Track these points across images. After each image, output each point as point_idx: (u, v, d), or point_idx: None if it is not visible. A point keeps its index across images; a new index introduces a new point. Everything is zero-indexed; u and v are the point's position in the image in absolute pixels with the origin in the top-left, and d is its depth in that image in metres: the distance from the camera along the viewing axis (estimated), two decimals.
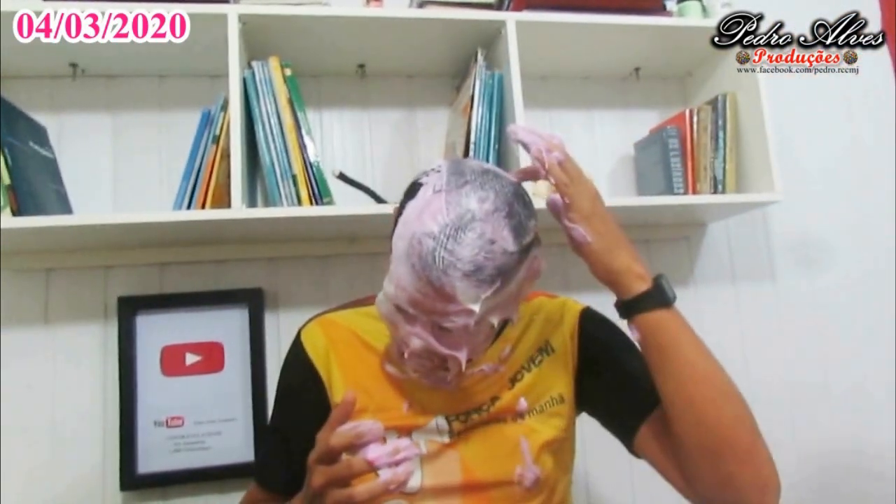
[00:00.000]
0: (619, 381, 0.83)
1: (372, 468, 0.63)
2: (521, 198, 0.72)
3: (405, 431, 0.80)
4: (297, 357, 0.87)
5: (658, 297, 0.74)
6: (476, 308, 0.67)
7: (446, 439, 0.80)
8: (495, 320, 0.72)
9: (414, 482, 0.77)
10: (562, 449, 0.85)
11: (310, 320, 0.92)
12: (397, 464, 0.63)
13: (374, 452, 0.63)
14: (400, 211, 0.73)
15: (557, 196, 0.77)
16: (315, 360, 0.85)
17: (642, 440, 0.79)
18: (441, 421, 0.81)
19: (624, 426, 0.82)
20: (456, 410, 0.81)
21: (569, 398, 0.86)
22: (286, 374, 0.91)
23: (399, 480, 0.62)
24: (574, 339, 0.87)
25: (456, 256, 0.66)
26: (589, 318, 0.89)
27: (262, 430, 1.22)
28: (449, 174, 0.71)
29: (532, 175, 0.78)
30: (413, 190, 0.72)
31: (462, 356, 0.71)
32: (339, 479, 0.64)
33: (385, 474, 0.63)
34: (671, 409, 0.73)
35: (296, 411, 0.87)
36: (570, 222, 0.76)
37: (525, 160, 1.18)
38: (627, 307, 0.75)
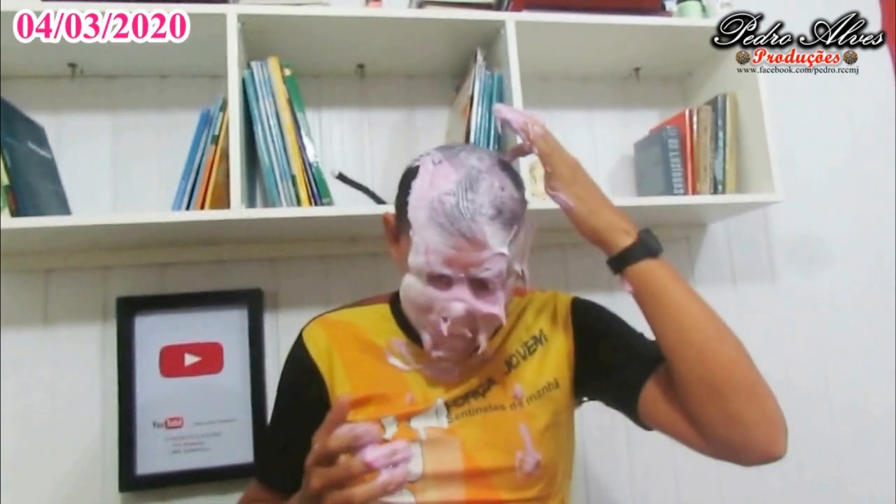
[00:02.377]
0: (616, 351, 0.85)
1: (370, 469, 0.63)
2: (506, 161, 0.82)
3: (405, 418, 0.81)
4: (297, 356, 0.88)
5: (643, 248, 0.77)
6: (506, 251, 0.74)
7: (444, 424, 0.81)
8: (519, 268, 0.79)
9: (416, 469, 0.78)
10: (558, 435, 0.87)
11: (310, 321, 0.92)
12: (395, 464, 0.63)
13: (372, 454, 0.63)
14: (403, 198, 0.78)
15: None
16: (316, 359, 0.86)
17: (647, 402, 0.80)
18: (440, 405, 0.82)
19: (627, 392, 0.82)
20: (455, 395, 0.83)
21: (564, 384, 0.88)
22: (287, 373, 0.92)
23: (397, 481, 0.63)
24: (568, 327, 0.90)
25: (478, 203, 0.73)
26: (579, 305, 0.93)
27: (263, 429, 1.22)
28: (438, 151, 0.80)
29: (521, 151, 0.85)
30: (411, 174, 0.80)
31: (500, 311, 0.76)
32: (337, 480, 0.64)
33: (383, 475, 0.63)
34: (672, 355, 0.75)
35: (296, 410, 0.88)
36: (552, 190, 0.81)
37: (526, 157, 1.18)
38: (616, 262, 0.78)
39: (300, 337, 0.90)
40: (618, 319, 0.91)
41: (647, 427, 0.83)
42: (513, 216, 0.75)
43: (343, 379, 0.84)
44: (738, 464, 0.75)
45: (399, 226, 0.82)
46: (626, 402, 0.83)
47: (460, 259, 0.73)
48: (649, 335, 0.81)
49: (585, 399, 0.92)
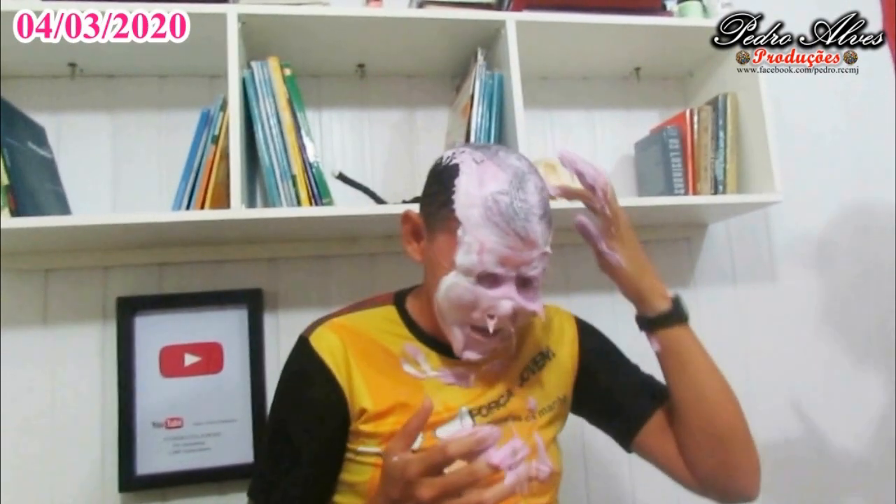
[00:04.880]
0: (620, 385, 0.92)
1: (497, 471, 0.61)
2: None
3: (430, 428, 0.80)
4: (311, 366, 0.81)
5: (678, 314, 0.85)
6: (549, 250, 0.78)
7: None
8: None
9: None
10: (559, 445, 0.91)
11: (316, 326, 0.86)
12: (513, 465, 0.62)
13: (497, 456, 0.61)
14: (446, 196, 0.77)
15: (586, 219, 0.86)
16: (334, 369, 0.80)
17: (646, 436, 0.88)
18: (464, 413, 0.82)
19: (626, 424, 0.90)
20: (479, 404, 0.83)
21: (567, 399, 0.92)
22: (300, 385, 0.84)
23: (522, 481, 0.64)
24: (574, 344, 0.94)
25: (530, 203, 0.75)
26: (586, 326, 0.98)
27: (262, 444, 1.15)
28: (473, 150, 0.79)
29: (573, 195, 0.86)
30: (450, 171, 0.78)
31: (540, 308, 0.79)
32: (456, 488, 0.61)
33: (509, 477, 0.61)
34: (685, 406, 0.84)
35: (313, 424, 0.81)
36: (609, 249, 0.85)
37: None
38: (651, 323, 0.85)
39: (307, 345, 0.83)
40: (618, 350, 0.96)
41: (629, 450, 0.90)
42: (551, 215, 0.78)
43: (363, 390, 0.80)
44: (717, 501, 0.86)
45: (432, 223, 0.80)
46: (625, 427, 0.90)
47: (514, 258, 0.74)
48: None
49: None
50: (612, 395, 0.91)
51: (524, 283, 0.77)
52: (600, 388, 0.92)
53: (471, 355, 0.80)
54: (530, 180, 0.76)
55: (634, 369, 0.94)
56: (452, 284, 0.76)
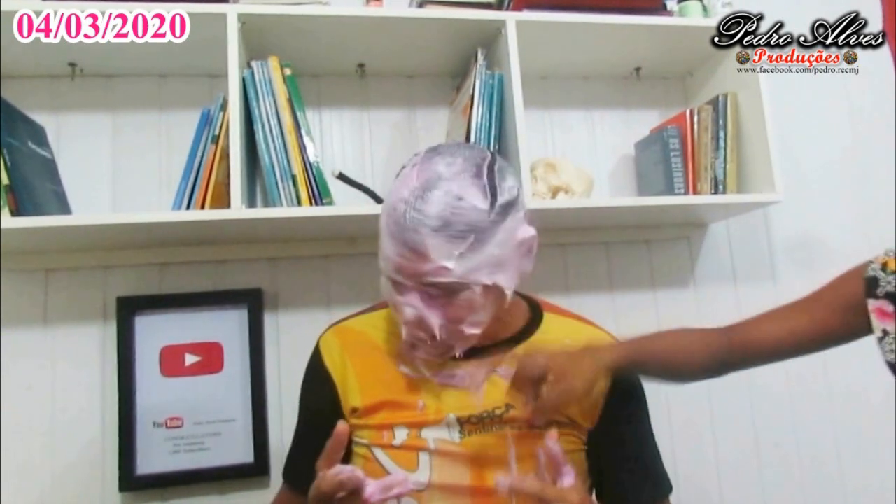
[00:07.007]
0: (637, 461, 0.86)
1: None
2: (492, 164, 0.76)
3: (416, 427, 0.81)
4: (314, 365, 0.92)
5: None
6: (450, 265, 0.71)
7: (456, 438, 0.81)
8: (486, 280, 0.73)
9: (422, 478, 0.79)
10: (572, 461, 0.82)
11: (328, 328, 0.95)
12: (398, 496, 0.67)
13: (369, 489, 0.69)
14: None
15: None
16: (331, 368, 0.88)
17: None
18: (452, 420, 0.81)
19: (626, 499, 0.84)
20: (468, 413, 0.81)
21: (582, 430, 0.84)
22: (305, 381, 0.95)
23: None
24: (601, 396, 0.85)
25: (424, 214, 0.70)
26: (621, 382, 0.86)
27: (266, 429, 1.24)
28: (425, 152, 0.78)
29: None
30: (397, 176, 0.79)
31: (452, 322, 0.75)
32: None
33: None
34: None
35: (312, 418, 0.92)
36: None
37: (526, 156, 1.18)
38: None
39: (317, 345, 0.93)
40: (648, 421, 0.89)
41: None
42: (469, 228, 0.70)
43: (355, 387, 0.85)
44: None
45: None
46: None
47: (406, 268, 0.73)
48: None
49: None
50: (626, 472, 0.85)
51: (440, 294, 0.73)
52: (617, 457, 0.85)
53: (418, 354, 0.81)
54: (440, 188, 0.70)
55: (653, 452, 0.88)
56: (382, 283, 0.79)
